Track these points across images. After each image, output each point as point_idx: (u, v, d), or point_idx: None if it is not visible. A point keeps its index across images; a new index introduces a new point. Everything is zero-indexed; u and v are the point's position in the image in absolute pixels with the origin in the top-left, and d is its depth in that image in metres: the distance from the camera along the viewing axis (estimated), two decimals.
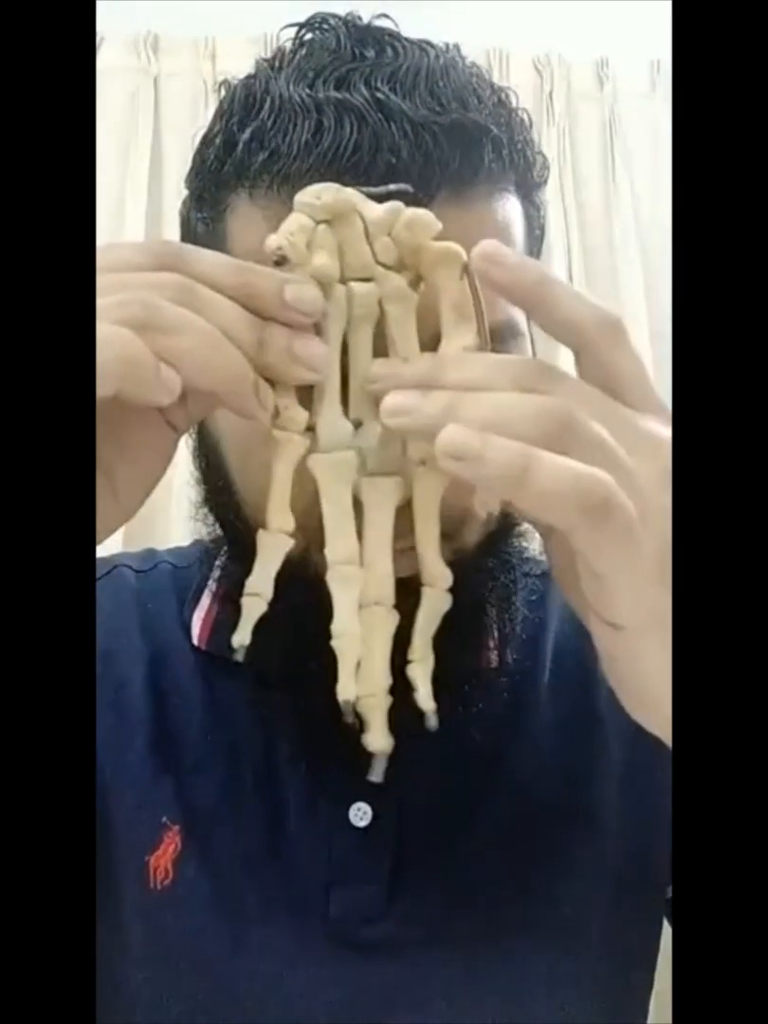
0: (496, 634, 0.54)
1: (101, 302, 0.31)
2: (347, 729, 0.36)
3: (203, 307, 0.32)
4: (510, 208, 0.46)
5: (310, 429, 0.37)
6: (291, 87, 0.43)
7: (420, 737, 0.37)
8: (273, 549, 0.37)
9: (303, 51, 0.46)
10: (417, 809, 0.51)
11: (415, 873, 0.50)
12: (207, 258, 0.34)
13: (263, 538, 0.37)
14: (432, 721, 0.37)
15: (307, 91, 0.43)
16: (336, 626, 0.36)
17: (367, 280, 0.37)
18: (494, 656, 0.54)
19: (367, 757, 0.37)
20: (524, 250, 0.48)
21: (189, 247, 0.34)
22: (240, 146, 0.44)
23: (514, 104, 0.48)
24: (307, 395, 0.37)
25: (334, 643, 0.36)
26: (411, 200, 0.38)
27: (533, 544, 0.52)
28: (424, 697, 0.37)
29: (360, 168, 0.41)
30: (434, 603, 0.38)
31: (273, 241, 0.35)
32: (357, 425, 0.38)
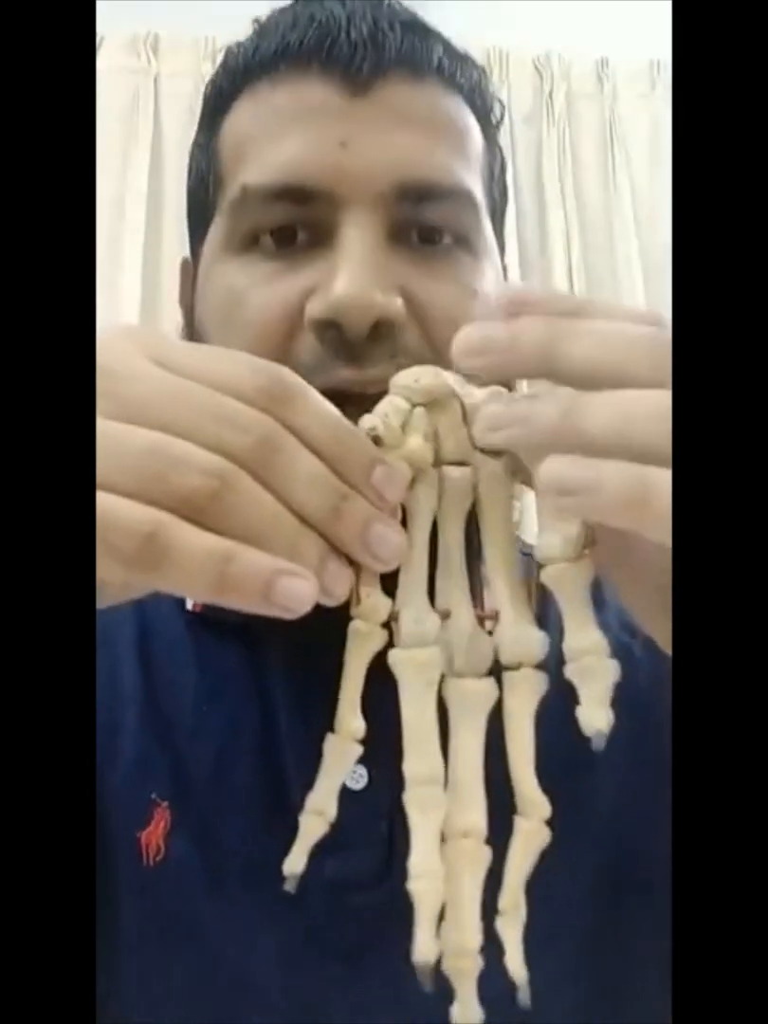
0: None
1: (183, 420, 0.30)
2: None
3: (285, 462, 0.31)
4: (467, 117, 0.52)
5: (393, 619, 0.34)
6: (280, 11, 0.54)
7: None
8: (341, 758, 0.33)
9: None
10: None
11: None
12: (314, 408, 0.32)
13: (332, 744, 0.34)
14: (524, 996, 0.31)
15: (292, 5, 0.53)
16: (414, 864, 0.32)
17: (463, 464, 0.35)
18: None
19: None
20: (484, 176, 0.53)
21: (302, 388, 0.33)
22: (239, 58, 0.53)
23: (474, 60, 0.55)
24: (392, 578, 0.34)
25: (411, 886, 0.31)
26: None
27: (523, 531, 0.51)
28: (515, 962, 0.32)
29: (323, 49, 0.49)
30: (530, 839, 0.33)
31: (368, 421, 0.34)
32: (444, 616, 0.35)
